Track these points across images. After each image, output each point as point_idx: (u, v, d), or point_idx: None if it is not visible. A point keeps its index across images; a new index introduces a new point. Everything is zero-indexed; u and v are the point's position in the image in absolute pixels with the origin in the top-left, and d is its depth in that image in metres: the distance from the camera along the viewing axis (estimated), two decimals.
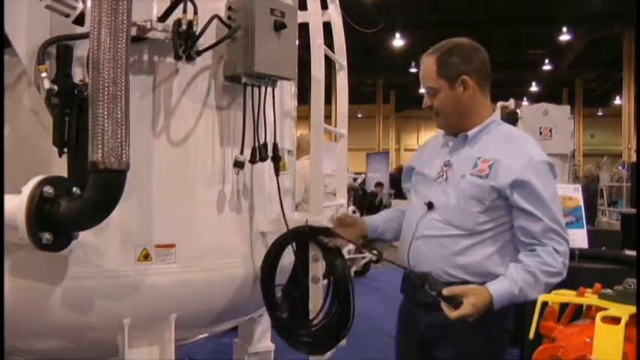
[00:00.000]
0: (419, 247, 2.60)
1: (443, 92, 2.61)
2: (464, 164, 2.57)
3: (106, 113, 2.14)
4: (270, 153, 2.93)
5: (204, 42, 2.62)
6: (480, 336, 2.46)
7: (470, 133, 2.62)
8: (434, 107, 2.64)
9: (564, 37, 23.29)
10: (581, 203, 5.37)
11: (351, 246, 3.65)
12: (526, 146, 2.58)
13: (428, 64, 2.64)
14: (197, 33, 2.55)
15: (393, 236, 2.98)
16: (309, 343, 2.95)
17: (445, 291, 2.35)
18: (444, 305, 2.35)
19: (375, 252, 3.26)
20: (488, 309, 2.36)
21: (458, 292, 2.35)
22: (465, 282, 2.47)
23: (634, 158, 20.08)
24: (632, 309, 2.54)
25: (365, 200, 17.87)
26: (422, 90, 2.76)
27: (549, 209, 2.45)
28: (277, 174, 2.98)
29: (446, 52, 2.62)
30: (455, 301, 2.32)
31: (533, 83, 32.13)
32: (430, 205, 2.60)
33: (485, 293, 2.37)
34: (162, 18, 2.56)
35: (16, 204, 2.20)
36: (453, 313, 2.32)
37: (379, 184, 21.13)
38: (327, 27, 3.57)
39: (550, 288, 2.56)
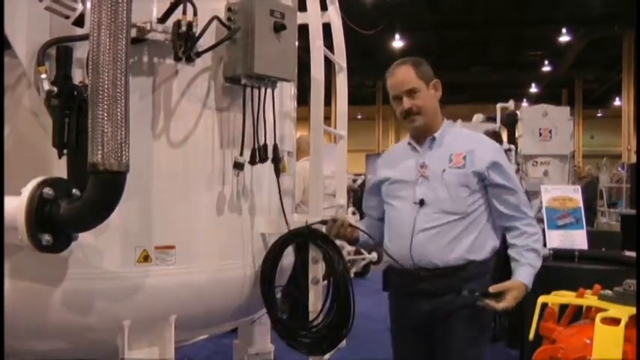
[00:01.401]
0: (421, 240, 2.88)
1: (423, 92, 2.97)
2: (439, 161, 2.95)
3: (105, 114, 2.14)
4: (269, 154, 2.94)
5: (203, 43, 2.62)
6: (482, 316, 2.86)
7: (436, 135, 3.01)
8: (416, 107, 2.96)
9: (564, 38, 23.27)
10: (581, 204, 5.36)
11: (351, 247, 3.65)
12: (484, 138, 3.15)
13: (405, 70, 2.99)
14: (197, 34, 2.56)
15: (376, 241, 3.23)
16: (309, 343, 2.96)
17: (491, 289, 2.76)
18: (488, 301, 2.74)
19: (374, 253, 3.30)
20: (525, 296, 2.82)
21: (502, 288, 2.77)
22: (470, 262, 2.87)
23: (634, 159, 20.08)
24: (632, 310, 2.53)
25: None
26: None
27: (517, 184, 3.00)
28: (278, 175, 2.99)
29: (416, 61, 3.03)
30: (499, 297, 2.74)
31: (533, 84, 32.09)
32: (422, 202, 2.91)
33: (521, 286, 2.81)
34: (162, 19, 2.56)
35: (16, 205, 2.21)
36: (499, 305, 2.73)
37: None
38: (327, 28, 3.57)
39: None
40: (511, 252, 2.93)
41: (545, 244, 4.72)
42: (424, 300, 2.89)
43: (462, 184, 2.89)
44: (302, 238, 3.01)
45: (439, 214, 2.88)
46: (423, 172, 2.95)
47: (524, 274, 2.84)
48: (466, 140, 3.02)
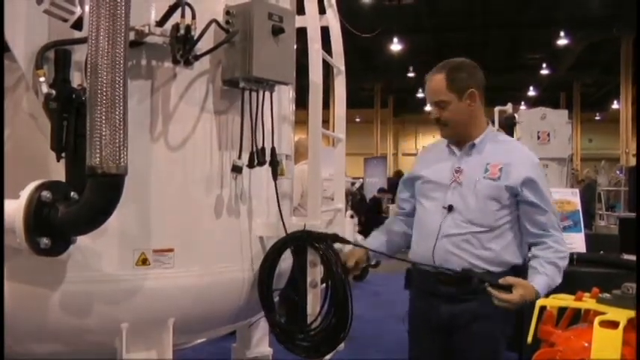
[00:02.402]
0: (445, 245, 2.90)
1: (453, 104, 2.94)
2: (475, 169, 2.94)
3: (104, 118, 2.14)
4: (268, 157, 2.93)
5: (202, 46, 2.62)
6: (499, 325, 2.91)
7: (477, 141, 2.99)
8: (443, 118, 2.97)
9: (562, 41, 23.32)
10: (579, 207, 5.37)
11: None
12: (524, 151, 3.05)
13: (438, 80, 2.96)
14: (195, 37, 2.55)
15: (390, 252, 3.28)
16: (307, 347, 2.95)
17: (502, 280, 2.74)
18: (492, 290, 2.71)
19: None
20: (532, 302, 2.73)
21: (512, 282, 2.74)
22: (488, 272, 2.85)
23: (632, 162, 20.13)
24: (631, 313, 2.53)
25: (363, 205, 17.84)
26: (428, 106, 3.11)
27: (549, 203, 2.94)
28: (275, 178, 2.99)
29: (454, 68, 2.97)
30: (505, 289, 2.72)
31: (531, 87, 32.16)
32: (450, 208, 2.91)
33: (531, 288, 2.78)
34: (161, 22, 2.56)
35: (15, 208, 2.20)
36: (502, 295, 2.70)
37: (383, 191, 20.91)
38: (325, 31, 3.57)
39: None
40: (532, 262, 2.92)
41: None
42: (443, 303, 2.93)
43: (493, 197, 2.88)
44: (300, 241, 3.01)
45: (466, 224, 2.89)
46: (457, 178, 2.96)
47: (537, 281, 2.83)
48: (506, 151, 2.98)
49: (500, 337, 2.96)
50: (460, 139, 3.02)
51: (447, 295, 2.91)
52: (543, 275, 2.85)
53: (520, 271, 2.96)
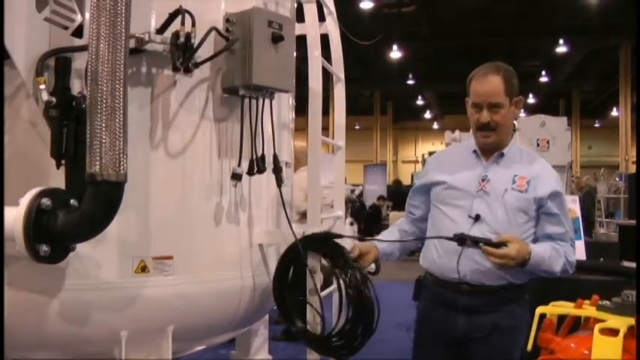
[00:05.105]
0: (472, 255, 2.82)
1: (505, 109, 2.88)
2: (502, 180, 2.88)
3: (104, 125, 2.15)
4: (267, 165, 2.93)
5: (202, 54, 2.62)
6: (515, 337, 2.89)
7: (505, 151, 2.94)
8: (494, 122, 2.87)
9: (561, 49, 23.36)
10: (579, 215, 5.36)
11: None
12: (547, 165, 3.00)
13: (496, 82, 2.88)
14: (195, 45, 2.56)
15: (399, 256, 3.23)
16: (339, 346, 2.91)
17: (495, 238, 2.75)
18: (488, 248, 2.72)
19: (373, 265, 3.27)
20: (523, 263, 2.76)
21: (506, 237, 2.75)
22: (512, 285, 2.85)
23: (631, 169, 20.14)
24: (631, 321, 2.53)
25: (363, 212, 17.83)
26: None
27: (569, 220, 2.93)
28: (279, 185, 2.98)
29: (508, 71, 2.92)
30: (500, 246, 2.73)
31: (530, 95, 32.17)
32: (477, 217, 2.85)
33: (527, 248, 2.76)
34: (161, 30, 2.57)
35: (14, 216, 2.20)
36: (498, 252, 2.71)
37: (383, 198, 20.90)
38: (325, 39, 3.58)
39: (564, 272, 2.92)
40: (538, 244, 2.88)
41: None
42: (462, 314, 2.88)
43: (522, 209, 2.85)
44: (314, 244, 2.97)
45: (493, 235, 2.81)
46: (484, 187, 2.89)
47: (534, 246, 2.80)
48: (532, 164, 2.95)
49: (516, 349, 2.92)
50: (496, 146, 2.95)
51: (466, 307, 2.86)
52: (542, 248, 2.82)
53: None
